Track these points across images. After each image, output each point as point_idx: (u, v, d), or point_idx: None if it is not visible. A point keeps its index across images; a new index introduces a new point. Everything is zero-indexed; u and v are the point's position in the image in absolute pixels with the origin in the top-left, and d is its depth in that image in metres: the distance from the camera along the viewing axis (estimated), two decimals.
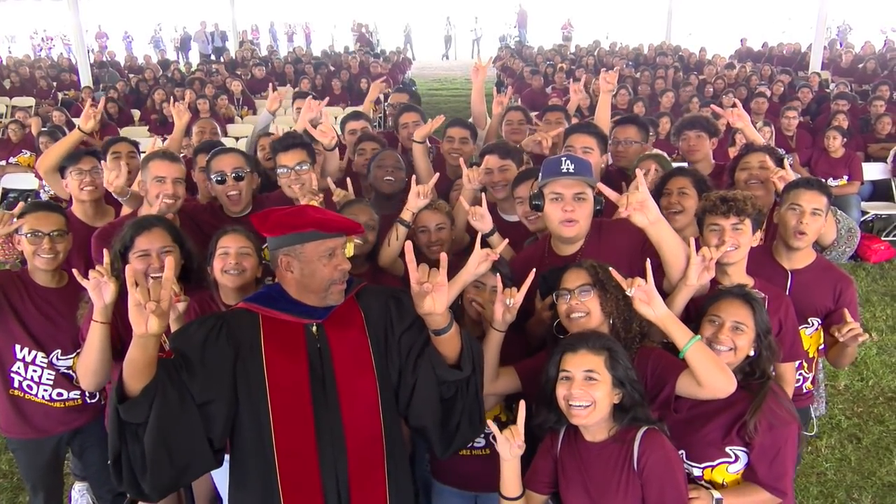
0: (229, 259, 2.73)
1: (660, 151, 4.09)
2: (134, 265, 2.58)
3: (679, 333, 2.18)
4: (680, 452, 2.27)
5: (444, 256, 2.09)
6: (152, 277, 2.55)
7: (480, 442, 2.65)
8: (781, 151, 3.73)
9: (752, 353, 2.34)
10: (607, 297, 2.35)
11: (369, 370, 2.09)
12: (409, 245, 2.11)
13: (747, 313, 2.33)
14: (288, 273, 2.07)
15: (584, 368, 2.12)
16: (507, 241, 2.86)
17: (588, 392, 2.10)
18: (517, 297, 2.41)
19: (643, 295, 2.18)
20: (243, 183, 3.38)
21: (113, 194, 3.46)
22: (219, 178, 3.37)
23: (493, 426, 2.21)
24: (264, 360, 2.02)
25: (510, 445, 2.17)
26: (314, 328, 2.08)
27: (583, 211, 2.61)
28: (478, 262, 2.47)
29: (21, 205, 3.05)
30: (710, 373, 2.15)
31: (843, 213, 3.37)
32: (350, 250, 2.15)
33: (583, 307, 2.35)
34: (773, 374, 2.39)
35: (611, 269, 2.30)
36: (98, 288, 2.42)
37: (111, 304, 2.46)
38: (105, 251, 2.57)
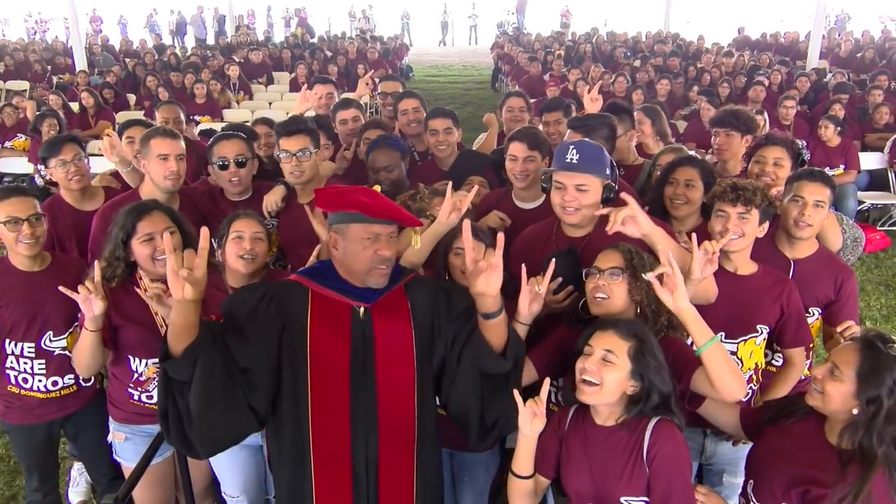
0: (244, 244, 2.73)
1: (680, 145, 3.98)
2: (141, 250, 2.67)
3: (699, 331, 2.11)
4: None
5: (500, 237, 2.09)
6: (157, 259, 2.63)
7: None
8: (801, 143, 3.59)
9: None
10: (638, 284, 2.30)
11: (410, 361, 2.12)
12: (467, 223, 2.12)
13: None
14: (334, 250, 2.12)
15: (604, 347, 2.09)
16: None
17: (600, 371, 2.06)
18: (544, 284, 2.35)
19: (670, 282, 2.10)
20: (244, 170, 3.39)
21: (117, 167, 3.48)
22: (221, 164, 3.36)
23: (518, 398, 2.14)
24: (308, 335, 2.05)
25: (531, 419, 2.12)
26: (361, 312, 2.10)
27: (585, 200, 2.55)
28: (448, 212, 2.46)
29: None
30: (722, 376, 2.11)
31: (850, 222, 3.37)
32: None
33: (607, 289, 2.31)
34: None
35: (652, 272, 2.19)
36: (87, 301, 2.51)
37: (101, 315, 2.55)
38: (96, 263, 2.62)
